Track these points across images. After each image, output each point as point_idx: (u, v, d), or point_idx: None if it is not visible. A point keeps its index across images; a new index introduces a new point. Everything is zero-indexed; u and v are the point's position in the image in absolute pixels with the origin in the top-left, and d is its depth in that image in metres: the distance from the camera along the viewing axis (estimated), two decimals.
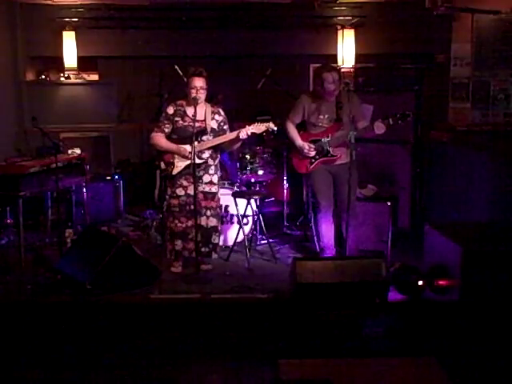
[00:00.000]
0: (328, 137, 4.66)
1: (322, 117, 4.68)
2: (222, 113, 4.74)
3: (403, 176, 5.84)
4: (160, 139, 4.62)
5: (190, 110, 4.59)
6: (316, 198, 4.84)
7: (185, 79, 4.72)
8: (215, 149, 4.69)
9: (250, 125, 4.52)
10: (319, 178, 4.75)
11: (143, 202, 6.77)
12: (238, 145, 4.74)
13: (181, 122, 4.60)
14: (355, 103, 4.70)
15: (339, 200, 4.72)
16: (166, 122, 4.63)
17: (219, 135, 4.62)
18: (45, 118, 6.18)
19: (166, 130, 4.62)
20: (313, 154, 4.70)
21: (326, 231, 4.79)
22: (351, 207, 4.52)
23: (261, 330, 3.70)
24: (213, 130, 4.62)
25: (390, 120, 4.42)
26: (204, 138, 4.57)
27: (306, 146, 4.69)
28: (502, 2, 5.63)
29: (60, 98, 7.07)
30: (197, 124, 4.49)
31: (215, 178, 4.73)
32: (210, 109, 4.65)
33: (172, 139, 4.63)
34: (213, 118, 4.65)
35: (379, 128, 4.46)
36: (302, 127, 4.90)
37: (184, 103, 4.66)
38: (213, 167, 4.70)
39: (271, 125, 4.54)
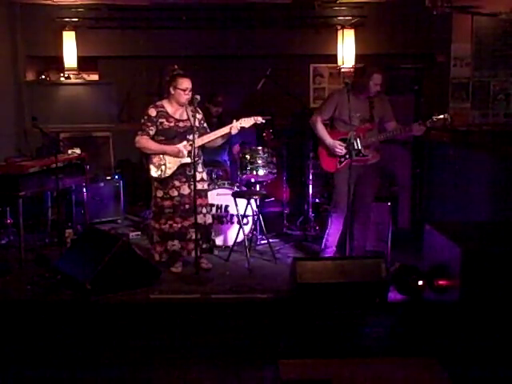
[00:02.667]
0: (360, 136, 4.55)
1: (353, 115, 4.53)
2: (200, 111, 4.76)
3: (403, 176, 5.85)
4: (148, 142, 4.57)
5: (173, 111, 4.61)
6: (336, 197, 4.73)
7: (167, 78, 4.70)
8: (201, 146, 4.69)
9: (237, 120, 4.57)
10: (346, 179, 4.53)
11: (143, 201, 6.77)
12: (221, 142, 4.78)
13: (166, 123, 4.58)
14: (385, 104, 4.69)
15: (359, 200, 4.66)
16: (149, 124, 4.58)
17: (202, 134, 4.65)
18: (45, 118, 6.18)
19: (151, 133, 4.59)
20: (343, 152, 4.61)
21: (335, 231, 4.78)
22: (367, 205, 4.65)
23: (261, 330, 3.70)
24: (197, 128, 4.61)
25: (428, 122, 4.43)
26: (190, 137, 4.56)
27: (337, 144, 4.61)
28: (501, 2, 5.64)
29: (60, 97, 7.07)
30: (182, 124, 4.55)
31: (204, 175, 4.79)
32: (189, 108, 4.66)
33: (158, 141, 4.60)
34: (195, 118, 4.63)
35: (418, 130, 4.46)
36: (326, 124, 4.79)
37: (165, 104, 4.63)
38: (201, 165, 4.73)
39: (259, 118, 4.62)
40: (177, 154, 4.54)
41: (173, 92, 4.55)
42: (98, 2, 6.78)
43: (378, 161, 4.70)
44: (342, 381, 2.58)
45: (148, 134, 4.58)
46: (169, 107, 4.62)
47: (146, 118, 4.60)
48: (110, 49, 7.06)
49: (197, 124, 4.63)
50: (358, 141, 4.56)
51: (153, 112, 4.59)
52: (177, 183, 4.62)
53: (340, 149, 4.61)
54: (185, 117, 4.61)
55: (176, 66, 5.47)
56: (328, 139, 4.66)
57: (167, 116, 4.59)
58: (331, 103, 4.72)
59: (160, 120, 4.58)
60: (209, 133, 4.69)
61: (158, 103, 4.65)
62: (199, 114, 4.72)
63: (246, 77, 6.74)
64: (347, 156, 4.60)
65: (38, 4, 6.76)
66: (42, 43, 6.97)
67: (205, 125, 4.76)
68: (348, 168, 4.52)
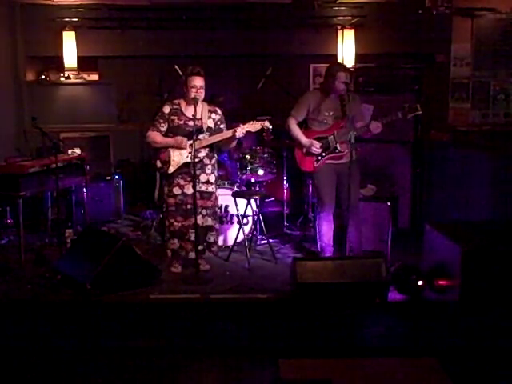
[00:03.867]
0: (333, 133, 4.62)
1: (327, 113, 4.64)
2: (219, 112, 4.74)
3: (403, 176, 5.85)
4: (156, 136, 4.60)
5: (187, 109, 4.61)
6: (320, 196, 4.77)
7: (183, 78, 4.71)
8: (211, 148, 4.68)
9: (245, 123, 4.53)
10: (324, 176, 4.70)
11: (143, 201, 6.77)
12: (234, 144, 4.75)
13: (177, 120, 4.60)
14: (357, 104, 4.71)
15: (343, 199, 4.67)
16: (161, 120, 4.61)
17: (215, 134, 4.63)
18: (45, 118, 6.18)
19: (162, 129, 4.61)
20: (319, 151, 4.65)
21: (327, 231, 4.78)
22: (355, 206, 4.56)
23: (261, 330, 3.70)
24: (209, 128, 4.62)
25: (399, 113, 4.42)
26: (200, 136, 4.56)
27: (312, 143, 4.65)
28: (501, 2, 5.64)
29: (60, 97, 7.07)
30: (192, 123, 4.51)
31: (212, 178, 4.73)
32: (206, 108, 4.66)
33: (168, 138, 4.61)
34: (209, 117, 4.65)
35: (375, 128, 4.46)
36: (301, 125, 4.84)
37: (181, 102, 4.65)
38: (210, 166, 4.70)
39: (266, 123, 4.57)
40: (180, 145, 4.53)
41: (185, 90, 4.57)
42: (98, 2, 6.78)
43: (354, 159, 4.67)
44: (342, 381, 2.59)
45: (159, 130, 4.60)
46: (184, 105, 4.63)
47: (159, 114, 4.65)
48: (110, 49, 7.06)
49: (211, 124, 4.64)
50: (333, 137, 4.61)
51: (166, 109, 4.63)
52: (181, 182, 4.62)
53: (316, 147, 4.64)
54: (198, 116, 4.56)
55: (176, 66, 5.50)
56: (303, 138, 4.70)
57: (180, 114, 4.61)
58: (304, 104, 4.76)
59: (172, 117, 4.60)
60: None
61: (175, 101, 4.68)
62: (217, 114, 4.71)
63: (245, 77, 6.74)
64: (323, 154, 4.65)
65: (38, 4, 6.76)
66: (42, 43, 6.97)
67: (221, 126, 4.70)
68: (326, 167, 4.58)
